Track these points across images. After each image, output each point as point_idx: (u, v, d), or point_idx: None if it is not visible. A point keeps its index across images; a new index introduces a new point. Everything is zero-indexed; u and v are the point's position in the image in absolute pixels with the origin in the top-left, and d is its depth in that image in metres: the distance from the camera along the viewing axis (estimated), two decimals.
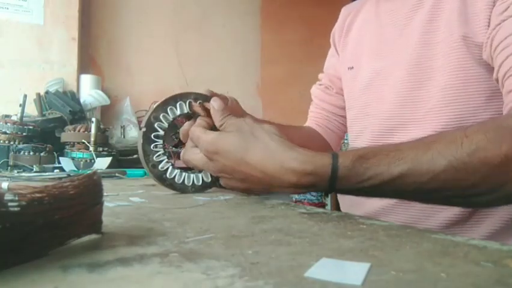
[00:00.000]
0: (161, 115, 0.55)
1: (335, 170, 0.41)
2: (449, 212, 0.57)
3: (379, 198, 0.56)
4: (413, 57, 0.61)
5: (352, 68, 0.75)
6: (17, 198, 0.20)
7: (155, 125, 0.55)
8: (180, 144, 2.10)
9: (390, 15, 0.69)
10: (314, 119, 0.86)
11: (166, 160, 0.56)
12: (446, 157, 0.40)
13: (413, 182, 0.40)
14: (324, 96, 0.85)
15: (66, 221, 0.23)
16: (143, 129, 0.55)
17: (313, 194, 2.08)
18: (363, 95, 0.71)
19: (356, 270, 0.21)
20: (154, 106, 0.56)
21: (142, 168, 1.29)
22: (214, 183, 0.58)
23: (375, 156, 0.41)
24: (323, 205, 2.10)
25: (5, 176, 0.90)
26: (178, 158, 1.95)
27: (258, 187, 0.46)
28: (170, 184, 0.56)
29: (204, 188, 0.58)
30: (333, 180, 0.41)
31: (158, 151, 0.55)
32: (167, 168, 0.56)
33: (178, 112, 0.56)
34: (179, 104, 0.56)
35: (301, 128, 0.87)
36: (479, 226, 0.57)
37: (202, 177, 0.57)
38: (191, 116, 0.57)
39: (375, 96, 0.68)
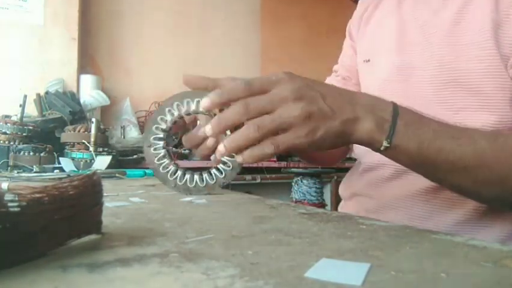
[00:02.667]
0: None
1: (396, 109, 0.44)
2: (452, 214, 0.57)
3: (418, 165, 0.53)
4: (436, 57, 0.60)
5: (368, 60, 0.73)
6: (17, 198, 0.20)
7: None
8: (180, 144, 2.10)
9: (412, 12, 0.67)
10: None
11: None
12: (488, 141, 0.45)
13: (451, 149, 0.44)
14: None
15: (66, 221, 0.23)
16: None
17: (313, 194, 2.08)
18: (381, 90, 0.68)
19: (356, 271, 0.21)
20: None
21: (141, 168, 1.27)
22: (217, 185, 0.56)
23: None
24: (323, 205, 2.10)
25: (5, 176, 0.90)
26: (178, 158, 1.95)
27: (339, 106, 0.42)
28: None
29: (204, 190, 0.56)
30: (395, 116, 0.43)
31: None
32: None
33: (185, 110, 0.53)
34: (187, 102, 0.52)
35: None
36: (483, 230, 0.56)
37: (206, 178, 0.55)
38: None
39: (395, 92, 0.65)
